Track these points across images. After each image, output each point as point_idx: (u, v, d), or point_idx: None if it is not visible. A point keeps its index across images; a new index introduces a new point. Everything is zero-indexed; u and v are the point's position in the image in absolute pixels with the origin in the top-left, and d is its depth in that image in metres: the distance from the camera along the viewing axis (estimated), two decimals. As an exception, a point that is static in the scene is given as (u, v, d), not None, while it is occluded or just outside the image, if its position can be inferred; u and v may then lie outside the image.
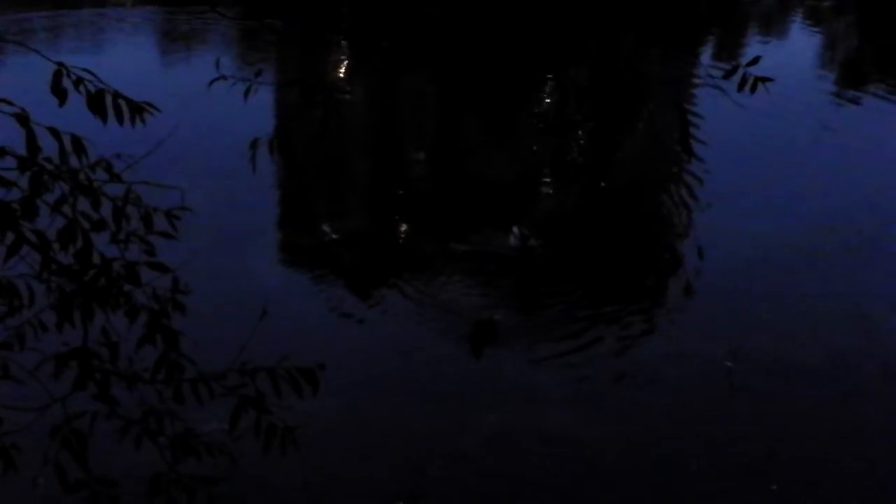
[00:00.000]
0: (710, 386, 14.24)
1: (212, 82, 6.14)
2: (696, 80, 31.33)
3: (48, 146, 5.04)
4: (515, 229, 17.88)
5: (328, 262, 18.24)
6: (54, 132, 4.99)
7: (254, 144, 5.76)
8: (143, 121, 5.17)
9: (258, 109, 21.34)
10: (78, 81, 5.00)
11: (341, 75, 32.69)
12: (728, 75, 6.72)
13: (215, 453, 5.55)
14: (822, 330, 15.75)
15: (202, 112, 22.03)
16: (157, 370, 5.34)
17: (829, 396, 14.06)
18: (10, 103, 5.01)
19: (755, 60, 6.60)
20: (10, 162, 4.97)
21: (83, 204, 5.05)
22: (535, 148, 25.33)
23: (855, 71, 33.23)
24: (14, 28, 34.42)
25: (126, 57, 32.34)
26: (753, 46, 35.42)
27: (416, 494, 11.89)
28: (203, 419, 6.02)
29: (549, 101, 30.13)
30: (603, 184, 22.77)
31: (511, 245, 17.80)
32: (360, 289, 17.17)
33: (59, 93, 4.96)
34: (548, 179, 23.59)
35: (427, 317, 16.08)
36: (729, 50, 35.96)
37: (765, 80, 6.56)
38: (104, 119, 5.06)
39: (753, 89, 6.63)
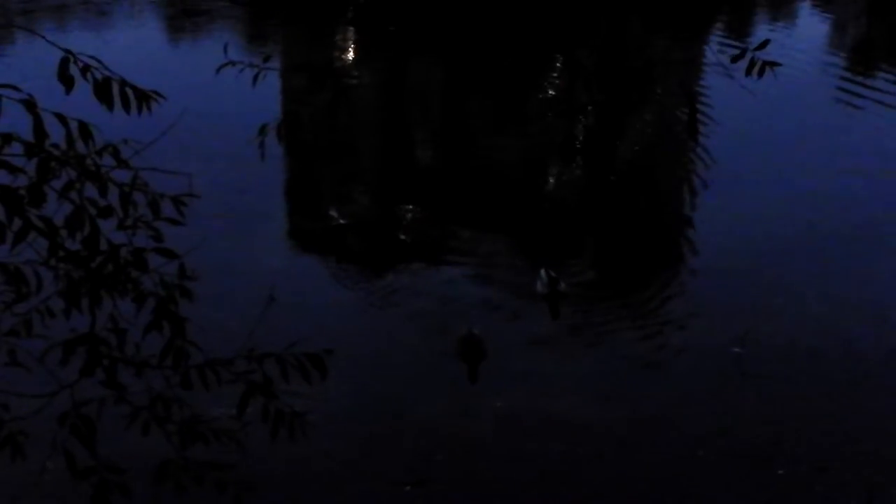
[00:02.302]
0: (718, 372, 14.22)
1: (220, 68, 6.13)
2: (705, 64, 31.23)
3: (55, 132, 5.03)
4: (543, 273, 15.96)
5: (336, 248, 18.24)
6: (61, 118, 4.98)
7: (262, 130, 5.75)
8: (149, 109, 5.16)
9: (266, 94, 21.33)
10: (85, 69, 4.99)
11: (349, 60, 32.65)
12: (736, 59, 6.69)
13: (223, 439, 5.56)
14: (832, 316, 15.71)
15: (210, 97, 22.02)
16: (164, 356, 5.34)
17: (838, 383, 14.03)
18: (17, 89, 5.01)
19: (764, 44, 6.57)
20: (16, 148, 4.97)
21: (90, 190, 5.05)
22: (543, 132, 25.29)
23: (865, 55, 33.08)
24: (26, 5, 34.45)
25: (134, 40, 32.31)
26: (762, 30, 35.25)
27: (423, 480, 11.91)
28: (211, 404, 6.03)
29: (557, 84, 30.07)
30: (612, 178, 22.70)
31: (538, 291, 15.93)
32: (367, 274, 17.18)
33: (66, 80, 4.94)
34: (556, 163, 23.57)
35: (435, 304, 16.07)
36: (737, 33, 35.82)
37: (773, 64, 6.53)
38: (110, 107, 5.05)
39: (761, 73, 6.59)
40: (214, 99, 21.98)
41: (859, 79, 29.23)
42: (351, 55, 33.34)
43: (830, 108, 26.43)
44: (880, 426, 13.11)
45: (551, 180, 22.84)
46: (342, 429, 12.67)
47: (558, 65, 30.94)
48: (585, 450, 12.57)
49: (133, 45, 31.09)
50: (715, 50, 31.92)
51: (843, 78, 29.41)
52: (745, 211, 19.61)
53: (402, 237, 19.01)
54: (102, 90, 5.03)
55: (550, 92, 29.64)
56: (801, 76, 27.42)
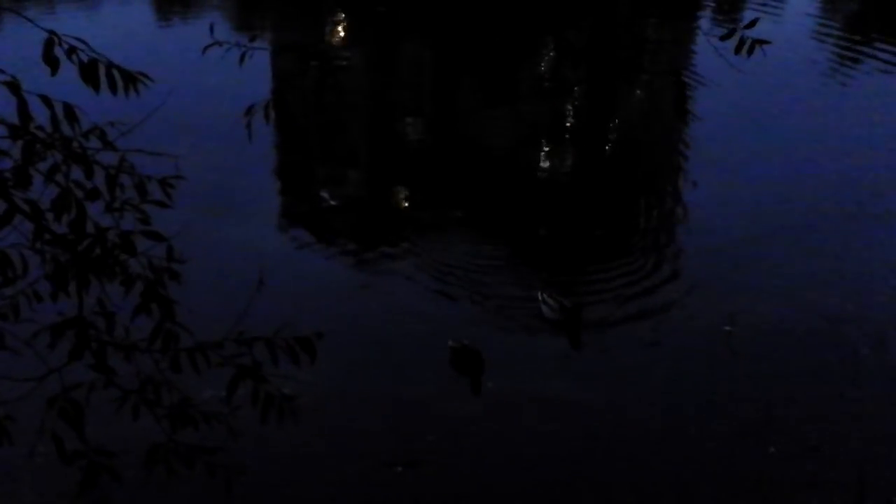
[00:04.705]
0: (709, 350, 14.25)
1: (206, 48, 6.06)
2: (694, 43, 31.19)
3: (41, 115, 4.98)
4: (547, 298, 15.02)
5: (326, 229, 18.20)
6: (46, 100, 4.93)
7: (249, 111, 5.69)
8: (136, 91, 5.11)
9: (256, 75, 21.23)
10: (71, 51, 4.93)
11: (338, 40, 32.52)
12: (726, 38, 6.64)
13: (213, 423, 5.53)
14: (821, 294, 15.74)
15: (199, 78, 21.93)
16: (153, 340, 5.30)
17: (827, 360, 14.07)
18: (1, 71, 4.95)
19: (753, 23, 6.52)
20: (1, 130, 4.92)
21: (77, 173, 5.00)
22: (533, 111, 25.24)
23: (855, 33, 33.02)
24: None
25: (121, 20, 32.11)
26: (751, 9, 35.14)
27: (414, 460, 11.92)
28: (201, 388, 6.00)
29: (546, 63, 30.00)
30: (607, 147, 22.67)
31: (546, 316, 14.94)
32: (358, 256, 17.15)
33: (51, 62, 4.89)
34: (546, 143, 23.53)
35: (425, 284, 16.06)
36: (727, 13, 35.75)
37: (763, 42, 6.47)
38: (97, 89, 5.00)
39: (751, 52, 6.54)
40: (203, 80, 21.89)
41: (848, 60, 29.20)
42: (340, 35, 33.20)
43: (820, 86, 26.42)
44: (870, 405, 13.14)
45: (541, 160, 22.79)
46: (333, 411, 12.66)
47: (548, 45, 30.85)
48: (577, 429, 12.59)
49: (120, 26, 30.89)
50: (705, 29, 31.86)
51: (833, 56, 29.38)
52: (736, 192, 19.61)
53: (393, 219, 18.96)
54: (88, 72, 4.97)
55: (541, 69, 29.57)
56: (792, 55, 27.40)
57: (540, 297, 15.06)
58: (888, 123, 23.32)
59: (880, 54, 29.29)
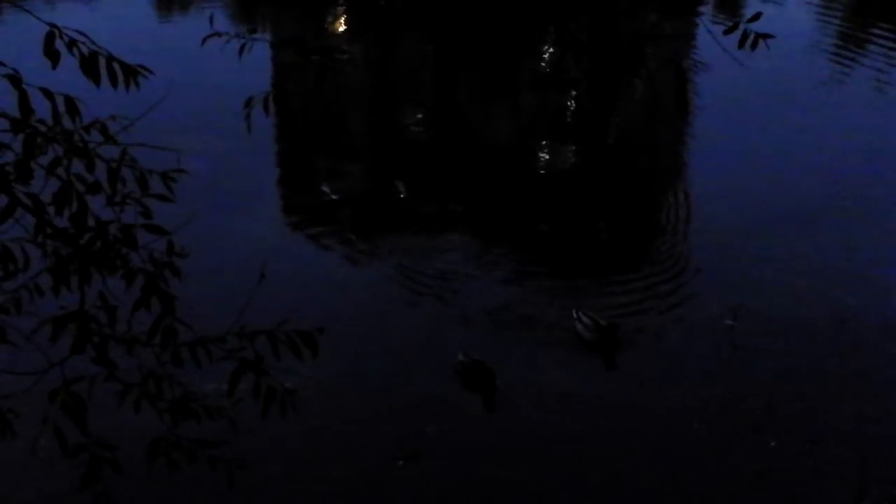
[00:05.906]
0: (711, 344, 14.24)
1: (205, 39, 6.04)
2: (695, 34, 31.13)
3: (42, 108, 4.97)
4: (583, 317, 14.41)
5: (328, 223, 18.18)
6: (47, 93, 4.91)
7: (248, 103, 5.67)
8: (136, 84, 5.09)
9: (259, 69, 21.21)
10: (71, 44, 4.92)
11: (339, 34, 32.48)
12: (729, 32, 6.62)
13: (215, 416, 5.52)
14: (823, 287, 15.73)
15: (198, 71, 21.89)
16: (152, 334, 5.29)
17: (829, 354, 14.06)
18: (1, 63, 4.94)
19: (756, 17, 6.50)
20: (2, 124, 4.90)
21: (78, 166, 4.99)
22: (535, 105, 25.22)
23: (859, 19, 32.95)
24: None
25: (121, 12, 32.05)
26: (753, 3, 35.06)
27: (416, 454, 11.92)
28: (203, 381, 6.00)
29: (548, 57, 29.96)
30: (604, 152, 22.63)
31: (582, 336, 14.29)
32: (359, 250, 17.13)
33: (52, 55, 4.87)
34: (547, 137, 23.51)
35: (427, 279, 16.05)
36: (729, 7, 35.67)
37: (765, 36, 6.46)
38: (97, 82, 4.99)
39: (754, 46, 6.53)
40: (204, 73, 21.85)
41: (850, 47, 29.16)
42: (341, 28, 33.16)
43: (823, 75, 26.36)
44: (872, 399, 13.14)
45: (542, 153, 22.78)
46: (334, 404, 12.67)
47: (550, 38, 30.79)
48: (577, 423, 12.59)
49: (120, 18, 30.83)
50: (706, 21, 31.80)
51: (835, 43, 29.34)
52: (737, 185, 19.59)
53: (395, 213, 18.95)
54: (89, 65, 4.96)
55: (543, 62, 29.53)
56: (794, 42, 27.32)
57: (575, 315, 14.55)
58: (893, 113, 23.30)
59: (883, 41, 29.23)
